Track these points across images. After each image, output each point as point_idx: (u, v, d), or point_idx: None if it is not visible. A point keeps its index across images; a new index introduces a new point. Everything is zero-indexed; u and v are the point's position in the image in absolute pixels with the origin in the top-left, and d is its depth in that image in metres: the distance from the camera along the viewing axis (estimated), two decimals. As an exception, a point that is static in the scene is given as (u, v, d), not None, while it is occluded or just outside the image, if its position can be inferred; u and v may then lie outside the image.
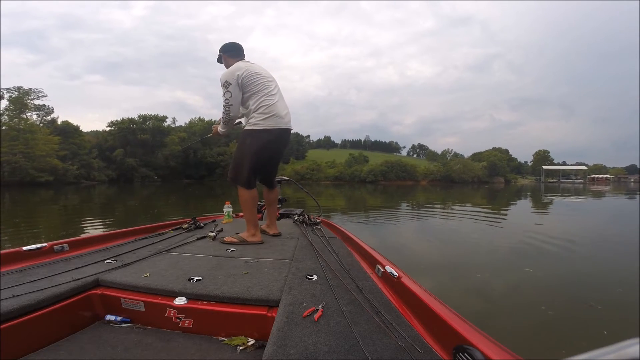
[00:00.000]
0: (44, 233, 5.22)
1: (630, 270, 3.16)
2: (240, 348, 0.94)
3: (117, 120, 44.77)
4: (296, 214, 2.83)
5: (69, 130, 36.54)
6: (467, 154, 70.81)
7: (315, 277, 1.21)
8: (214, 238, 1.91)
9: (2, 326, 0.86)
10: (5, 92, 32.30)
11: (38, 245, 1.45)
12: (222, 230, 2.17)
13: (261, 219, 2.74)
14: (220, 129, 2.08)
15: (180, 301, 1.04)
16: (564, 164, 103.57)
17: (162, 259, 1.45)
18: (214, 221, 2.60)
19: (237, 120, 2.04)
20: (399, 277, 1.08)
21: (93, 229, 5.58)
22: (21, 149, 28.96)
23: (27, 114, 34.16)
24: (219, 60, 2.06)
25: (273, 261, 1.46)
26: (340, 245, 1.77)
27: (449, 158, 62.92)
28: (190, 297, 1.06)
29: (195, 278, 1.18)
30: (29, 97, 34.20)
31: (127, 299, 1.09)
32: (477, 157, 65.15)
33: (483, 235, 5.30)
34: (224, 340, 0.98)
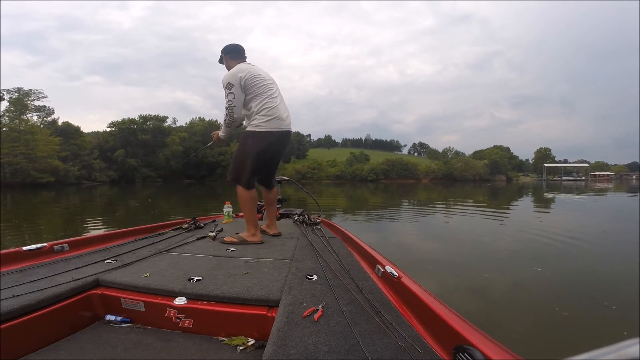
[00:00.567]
0: (45, 233, 5.24)
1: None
2: (240, 348, 0.94)
3: (117, 121, 44.80)
4: (296, 214, 2.83)
5: (70, 131, 36.61)
6: (468, 152, 70.65)
7: (315, 277, 1.21)
8: (214, 238, 1.91)
9: (2, 326, 0.86)
10: (5, 93, 32.41)
11: (38, 245, 1.46)
12: (222, 230, 2.17)
13: (261, 219, 2.74)
14: (221, 133, 2.07)
15: (180, 301, 1.04)
16: (566, 161, 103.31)
17: (162, 259, 1.45)
18: (214, 221, 2.60)
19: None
20: (399, 277, 1.08)
21: (93, 229, 5.59)
22: (22, 150, 29.01)
23: (28, 115, 34.23)
24: (220, 62, 2.07)
25: (273, 261, 1.46)
26: (340, 245, 1.76)
27: (450, 156, 62.79)
28: (190, 297, 1.06)
29: (195, 278, 1.18)
30: (30, 99, 34.24)
31: (127, 299, 1.09)
32: (478, 155, 64.96)
33: (486, 233, 5.28)
34: (224, 340, 0.98)
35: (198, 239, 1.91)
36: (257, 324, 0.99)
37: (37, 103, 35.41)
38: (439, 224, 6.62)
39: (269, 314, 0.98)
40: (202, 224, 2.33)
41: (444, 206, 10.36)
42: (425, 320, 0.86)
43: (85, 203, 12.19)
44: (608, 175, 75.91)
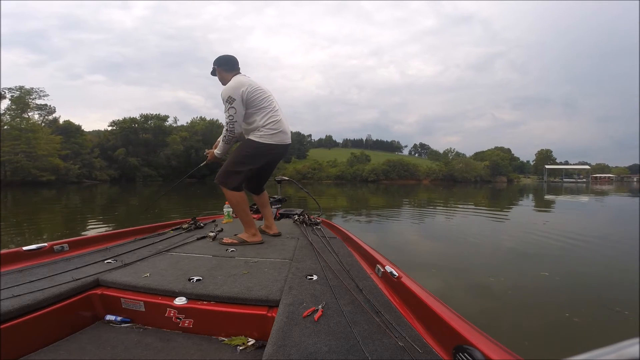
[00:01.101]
0: (45, 232, 5.24)
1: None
2: (240, 348, 0.94)
3: (118, 120, 45.14)
4: (296, 214, 2.83)
5: (71, 130, 36.75)
6: (469, 153, 70.75)
7: (315, 277, 1.21)
8: (214, 238, 1.91)
9: (2, 326, 0.86)
10: (7, 91, 32.52)
11: (38, 245, 1.46)
12: (222, 230, 2.18)
13: (261, 219, 2.74)
14: (217, 152, 1.99)
15: (180, 301, 1.04)
16: (567, 163, 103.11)
17: (162, 259, 1.45)
18: (214, 221, 2.60)
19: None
20: (399, 277, 1.08)
21: (94, 229, 5.60)
22: (23, 148, 29.13)
23: (29, 114, 34.44)
24: (213, 74, 2.01)
25: (273, 261, 1.46)
26: (340, 245, 1.76)
27: (450, 157, 62.78)
28: (190, 297, 1.06)
29: (195, 278, 1.18)
30: (31, 97, 34.48)
31: (127, 299, 1.09)
32: (479, 156, 64.95)
33: (488, 235, 5.27)
34: (224, 341, 0.98)
35: (198, 239, 1.91)
36: (257, 324, 0.99)
37: (38, 101, 35.73)
38: (440, 224, 6.61)
39: (269, 314, 0.98)
40: (202, 224, 2.33)
41: (444, 206, 10.35)
42: (425, 320, 0.86)
43: (86, 202, 12.20)
44: (609, 177, 75.86)
